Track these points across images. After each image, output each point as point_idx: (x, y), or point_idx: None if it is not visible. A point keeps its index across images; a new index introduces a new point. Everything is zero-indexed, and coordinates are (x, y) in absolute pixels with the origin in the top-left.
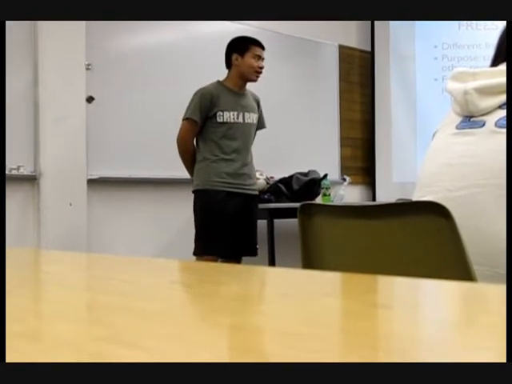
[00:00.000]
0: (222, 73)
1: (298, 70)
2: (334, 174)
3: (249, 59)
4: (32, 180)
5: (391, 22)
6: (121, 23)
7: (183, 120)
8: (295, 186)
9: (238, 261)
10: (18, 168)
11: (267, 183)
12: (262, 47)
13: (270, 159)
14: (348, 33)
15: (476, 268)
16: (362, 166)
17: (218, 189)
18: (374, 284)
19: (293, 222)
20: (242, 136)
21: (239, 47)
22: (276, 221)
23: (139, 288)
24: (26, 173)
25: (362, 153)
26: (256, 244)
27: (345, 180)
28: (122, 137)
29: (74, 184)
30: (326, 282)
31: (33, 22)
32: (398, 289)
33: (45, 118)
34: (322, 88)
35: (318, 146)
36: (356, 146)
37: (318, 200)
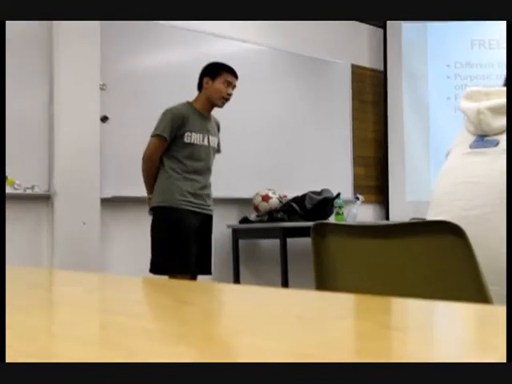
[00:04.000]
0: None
1: (310, 89)
2: (346, 192)
3: (219, 84)
4: (46, 199)
5: (403, 41)
6: (135, 44)
7: (152, 137)
8: (308, 205)
9: (195, 277)
10: (33, 187)
11: (280, 202)
12: (235, 75)
13: (283, 178)
14: (360, 52)
15: (490, 288)
16: (375, 185)
17: (181, 207)
18: (388, 306)
19: (306, 241)
20: (206, 158)
21: (211, 71)
22: (289, 240)
23: (152, 309)
24: (40, 192)
25: (374, 171)
26: (211, 263)
27: (358, 199)
28: (135, 156)
29: (87, 203)
30: (340, 304)
31: (49, 41)
32: (412, 311)
33: (59, 137)
34: (335, 107)
35: (331, 165)
36: (369, 164)
37: (331, 219)
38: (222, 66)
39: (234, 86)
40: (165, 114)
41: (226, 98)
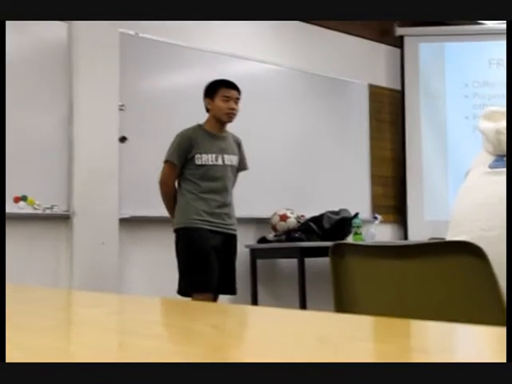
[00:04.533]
0: (249, 112)
1: (328, 108)
2: (365, 212)
3: (218, 102)
4: (65, 219)
5: (421, 61)
6: (153, 65)
7: (164, 162)
8: (326, 225)
9: (215, 298)
10: (52, 207)
11: (298, 222)
12: (234, 88)
13: (301, 197)
14: (378, 72)
15: None
16: (394, 205)
17: (198, 226)
18: (408, 328)
19: (324, 261)
20: (221, 177)
21: (209, 91)
22: (307, 260)
23: (170, 330)
24: (59, 212)
25: (393, 191)
26: (235, 283)
27: (376, 218)
28: (153, 177)
29: (106, 223)
30: (359, 327)
31: (68, 61)
32: (433, 334)
33: (78, 157)
34: (353, 126)
35: (349, 185)
36: (387, 184)
37: (349, 239)
38: (217, 83)
39: (236, 99)
40: (174, 138)
41: (229, 113)
